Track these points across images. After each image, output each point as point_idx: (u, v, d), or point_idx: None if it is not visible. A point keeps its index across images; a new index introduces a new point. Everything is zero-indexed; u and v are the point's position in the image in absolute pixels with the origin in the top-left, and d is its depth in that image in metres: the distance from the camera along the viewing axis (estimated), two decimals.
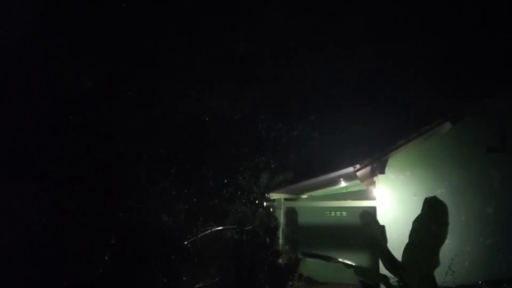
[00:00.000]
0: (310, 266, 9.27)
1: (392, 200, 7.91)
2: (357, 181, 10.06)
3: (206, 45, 8.35)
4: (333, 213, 10.48)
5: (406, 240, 3.85)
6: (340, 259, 4.35)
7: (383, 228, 4.17)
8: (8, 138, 5.15)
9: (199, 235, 6.48)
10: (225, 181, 8.17)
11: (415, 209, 3.92)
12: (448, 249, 6.61)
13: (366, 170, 8.49)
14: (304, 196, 11.84)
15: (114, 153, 5.92)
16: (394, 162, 8.07)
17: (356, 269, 4.23)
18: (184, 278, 5.95)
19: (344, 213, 10.33)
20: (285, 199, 10.85)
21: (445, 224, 3.68)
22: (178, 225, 6.25)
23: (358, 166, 8.17)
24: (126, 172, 6.00)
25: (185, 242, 6.23)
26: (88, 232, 5.23)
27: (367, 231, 4.28)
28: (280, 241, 9.86)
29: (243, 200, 8.51)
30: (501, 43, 12.66)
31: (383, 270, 4.27)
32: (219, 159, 7.95)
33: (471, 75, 12.96)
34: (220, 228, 7.07)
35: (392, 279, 4.14)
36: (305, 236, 10.26)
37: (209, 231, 6.74)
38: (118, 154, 5.97)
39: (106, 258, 5.23)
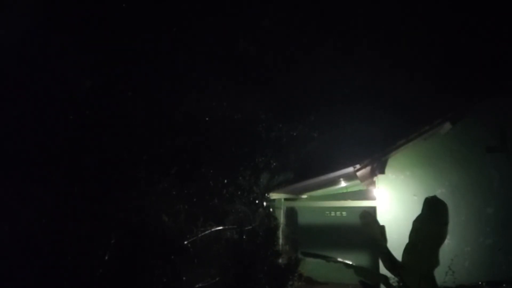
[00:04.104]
0: (310, 266, 9.27)
1: (392, 200, 7.92)
2: (357, 181, 10.07)
3: (206, 44, 8.34)
4: (333, 213, 10.49)
5: (406, 240, 3.85)
6: (340, 259, 4.35)
7: (383, 228, 4.17)
8: (8, 138, 5.16)
9: (199, 235, 6.48)
10: (225, 181, 8.16)
11: (415, 209, 3.93)
12: (448, 249, 6.62)
13: (366, 170, 8.50)
14: (304, 196, 11.85)
15: (114, 153, 5.92)
16: (394, 162, 8.08)
17: (356, 269, 4.23)
18: (184, 278, 5.95)
19: (344, 213, 10.34)
20: (285, 199, 10.85)
21: (445, 224, 3.68)
22: (178, 225, 6.25)
23: (358, 166, 8.18)
24: (126, 172, 6.00)
25: (185, 242, 6.23)
26: (88, 232, 5.23)
27: (367, 231, 4.28)
28: (280, 241, 9.86)
29: (243, 200, 8.51)
30: (501, 43, 12.67)
31: (383, 270, 4.27)
32: (219, 159, 7.95)
33: (471, 75, 12.96)
34: (220, 228, 7.06)
35: (392, 279, 4.14)
36: (305, 236, 10.27)
37: (209, 231, 6.74)
38: (118, 154, 5.96)
39: (106, 258, 5.22)
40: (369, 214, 4.36)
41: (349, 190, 11.69)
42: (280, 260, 8.96)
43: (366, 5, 12.93)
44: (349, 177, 9.52)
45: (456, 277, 6.66)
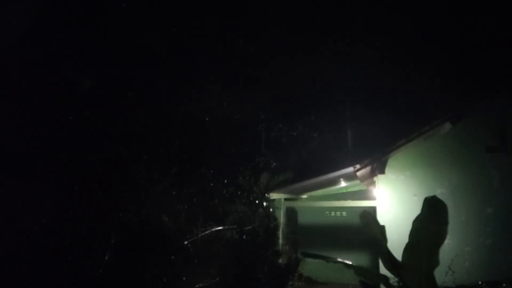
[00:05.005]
0: (310, 266, 9.26)
1: (392, 200, 7.91)
2: (357, 181, 10.06)
3: (206, 44, 8.35)
4: (333, 213, 10.47)
5: (406, 240, 3.85)
6: (340, 259, 4.35)
7: (383, 228, 4.17)
8: (9, 138, 5.15)
9: (199, 235, 6.48)
10: (225, 181, 8.17)
11: (415, 209, 3.92)
12: (448, 249, 6.61)
13: (366, 170, 8.49)
14: (304, 196, 11.84)
15: (114, 153, 5.92)
16: (394, 162, 8.07)
17: (356, 269, 4.23)
18: (184, 278, 5.95)
19: (344, 213, 10.33)
20: (285, 199, 10.84)
21: (445, 224, 3.68)
22: (178, 225, 6.25)
23: (358, 166, 8.17)
24: (126, 172, 6.00)
25: (185, 242, 6.23)
26: (88, 232, 5.23)
27: (367, 231, 4.28)
28: (280, 241, 9.85)
29: (243, 200, 8.51)
30: (501, 43, 12.67)
31: (383, 270, 4.27)
32: (219, 159, 7.95)
33: (471, 75, 12.97)
34: (220, 228, 7.06)
35: (392, 279, 4.14)
36: (305, 236, 10.25)
37: (209, 231, 6.74)
38: (118, 154, 5.96)
39: (106, 258, 5.22)
40: (369, 214, 4.36)
41: (349, 190, 11.67)
42: (280, 260, 8.96)
43: (367, 5, 12.93)
44: (349, 177, 9.51)
45: (456, 277, 6.65)
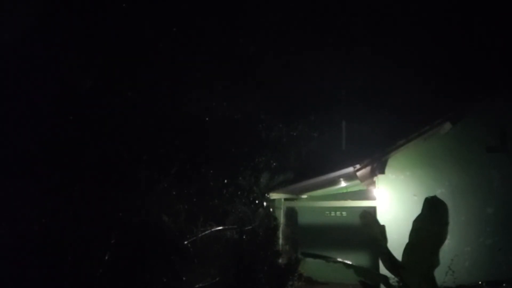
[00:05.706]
0: (310, 266, 9.27)
1: (392, 200, 7.91)
2: (357, 181, 10.06)
3: (206, 44, 8.35)
4: (333, 213, 10.47)
5: (406, 240, 3.85)
6: (340, 259, 4.35)
7: (383, 228, 4.17)
8: (8, 138, 5.15)
9: (199, 235, 6.48)
10: (225, 181, 8.17)
11: (415, 209, 3.93)
12: (448, 249, 6.61)
13: (366, 170, 8.49)
14: (304, 196, 11.84)
15: (114, 153, 5.92)
16: (394, 162, 8.07)
17: (356, 269, 4.23)
18: (184, 278, 5.95)
19: (344, 213, 10.33)
20: (285, 199, 10.84)
21: (445, 224, 3.68)
22: (178, 225, 6.26)
23: (358, 166, 8.17)
24: (126, 172, 6.00)
25: (185, 242, 6.23)
26: (88, 232, 5.23)
27: (367, 231, 4.28)
28: (280, 241, 9.86)
29: (243, 200, 8.51)
30: (501, 43, 12.67)
31: (383, 270, 4.27)
32: (219, 159, 7.95)
33: (471, 75, 12.97)
34: (220, 228, 7.06)
35: (392, 279, 4.14)
36: (305, 236, 10.26)
37: (209, 231, 6.74)
38: (118, 153, 5.96)
39: (106, 258, 5.22)
40: (369, 214, 4.36)
41: (349, 190, 11.67)
42: (280, 260, 8.96)
43: (367, 4, 12.93)
44: (349, 177, 9.51)
45: (456, 277, 6.65)
